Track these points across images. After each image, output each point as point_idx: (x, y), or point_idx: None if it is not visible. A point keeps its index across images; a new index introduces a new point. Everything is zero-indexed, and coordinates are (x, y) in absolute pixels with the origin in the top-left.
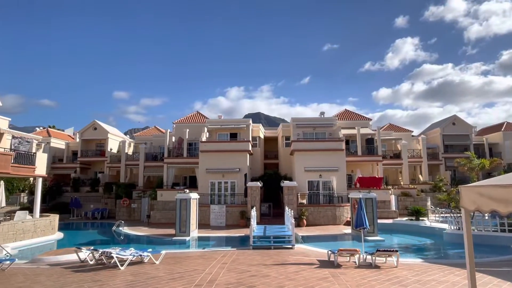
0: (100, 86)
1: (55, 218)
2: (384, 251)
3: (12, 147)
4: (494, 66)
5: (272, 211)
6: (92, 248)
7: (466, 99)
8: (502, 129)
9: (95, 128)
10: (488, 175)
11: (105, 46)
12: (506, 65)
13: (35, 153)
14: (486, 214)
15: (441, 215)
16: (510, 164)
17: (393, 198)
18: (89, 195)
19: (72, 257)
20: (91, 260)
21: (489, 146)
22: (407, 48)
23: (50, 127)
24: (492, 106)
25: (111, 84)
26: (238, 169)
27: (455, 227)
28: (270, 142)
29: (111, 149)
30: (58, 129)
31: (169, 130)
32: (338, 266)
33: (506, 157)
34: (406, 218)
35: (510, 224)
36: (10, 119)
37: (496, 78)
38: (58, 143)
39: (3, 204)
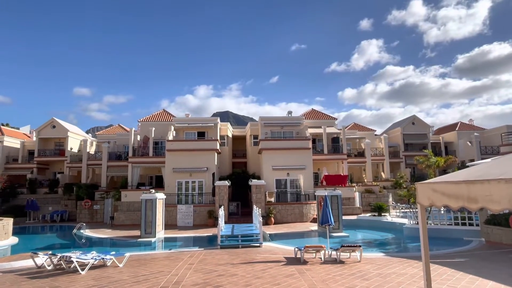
0: (59, 81)
1: (8, 222)
2: (348, 246)
3: None
4: (450, 69)
5: (241, 210)
6: (50, 252)
7: (425, 100)
8: (457, 129)
9: (54, 126)
10: (444, 172)
11: (65, 38)
12: (462, 68)
13: None
14: (442, 209)
15: (401, 210)
16: (464, 161)
17: (357, 195)
18: (48, 197)
19: (27, 263)
20: (48, 266)
21: (445, 145)
22: (372, 49)
23: (3, 125)
24: (448, 107)
25: (71, 79)
26: (205, 168)
27: (414, 222)
28: (239, 141)
29: (71, 148)
30: (12, 127)
31: (134, 129)
32: (305, 262)
33: (460, 155)
34: (370, 214)
35: (463, 217)
36: None
37: (453, 80)
38: (12, 142)
39: None
